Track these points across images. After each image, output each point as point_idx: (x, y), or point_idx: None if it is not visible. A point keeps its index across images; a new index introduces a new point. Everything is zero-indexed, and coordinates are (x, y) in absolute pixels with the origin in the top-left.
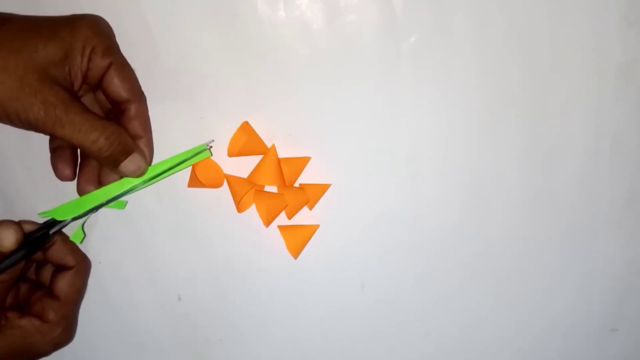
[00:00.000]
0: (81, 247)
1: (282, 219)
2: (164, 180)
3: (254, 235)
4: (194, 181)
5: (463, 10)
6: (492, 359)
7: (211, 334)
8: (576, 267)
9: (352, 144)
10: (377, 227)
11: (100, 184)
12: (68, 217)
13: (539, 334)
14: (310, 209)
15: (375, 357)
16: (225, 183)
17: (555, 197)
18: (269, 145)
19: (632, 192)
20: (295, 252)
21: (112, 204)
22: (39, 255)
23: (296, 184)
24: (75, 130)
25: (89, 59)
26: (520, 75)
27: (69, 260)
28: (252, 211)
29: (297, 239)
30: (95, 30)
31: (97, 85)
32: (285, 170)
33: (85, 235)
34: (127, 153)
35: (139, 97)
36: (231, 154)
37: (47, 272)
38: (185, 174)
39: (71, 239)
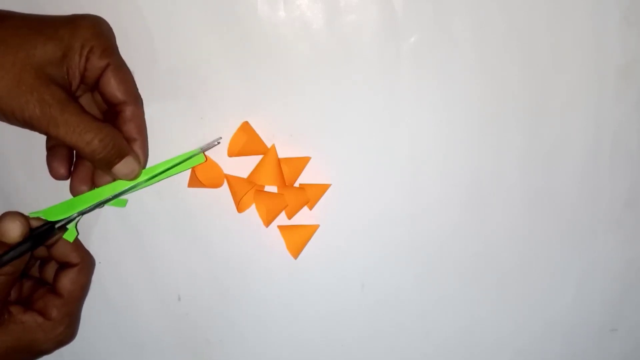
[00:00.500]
0: None
1: (282, 219)
2: (164, 180)
3: (254, 235)
4: (194, 181)
5: (463, 10)
6: (492, 359)
7: (211, 334)
8: (576, 267)
9: (352, 144)
10: (377, 227)
11: (93, 184)
12: (58, 218)
13: (539, 334)
14: (310, 209)
15: (375, 357)
16: (225, 183)
17: (555, 197)
18: (269, 145)
19: (632, 192)
20: (295, 252)
21: (112, 201)
22: (43, 252)
23: (296, 184)
24: (70, 130)
25: (87, 59)
26: (520, 75)
27: (73, 257)
28: (252, 211)
29: (297, 239)
30: (95, 31)
31: (95, 86)
32: (285, 170)
33: (78, 233)
34: (121, 156)
35: (135, 99)
36: (231, 154)
37: (50, 269)
38: (185, 174)
39: (63, 237)
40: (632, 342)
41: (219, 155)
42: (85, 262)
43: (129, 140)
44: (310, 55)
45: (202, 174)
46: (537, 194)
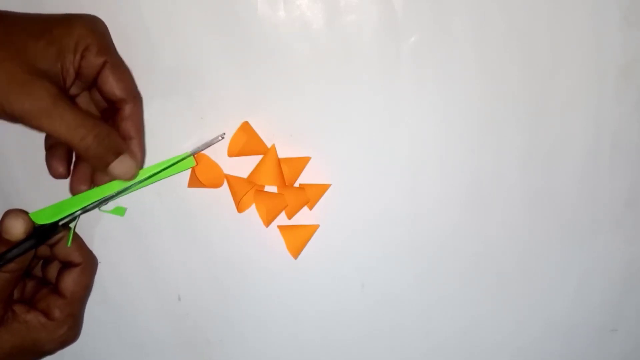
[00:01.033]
0: None
1: (282, 219)
2: (164, 180)
3: (254, 235)
4: (194, 181)
5: (463, 10)
6: (492, 359)
7: (211, 334)
8: (576, 267)
9: (352, 144)
10: (377, 227)
11: (93, 183)
12: (47, 222)
13: (539, 334)
14: (310, 209)
15: (375, 357)
16: (225, 183)
17: (555, 197)
18: (269, 145)
19: (632, 192)
20: (295, 252)
21: (112, 209)
22: (45, 251)
23: (296, 184)
24: (63, 125)
25: (82, 57)
26: (520, 75)
27: (76, 257)
28: (252, 211)
29: (297, 239)
30: (89, 29)
31: (93, 84)
32: (285, 170)
33: (71, 233)
34: (116, 153)
35: (134, 97)
36: (231, 154)
37: (53, 269)
38: (185, 173)
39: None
40: (632, 342)
41: (219, 155)
42: (87, 262)
43: (126, 139)
44: (310, 55)
45: (202, 174)
46: (537, 194)
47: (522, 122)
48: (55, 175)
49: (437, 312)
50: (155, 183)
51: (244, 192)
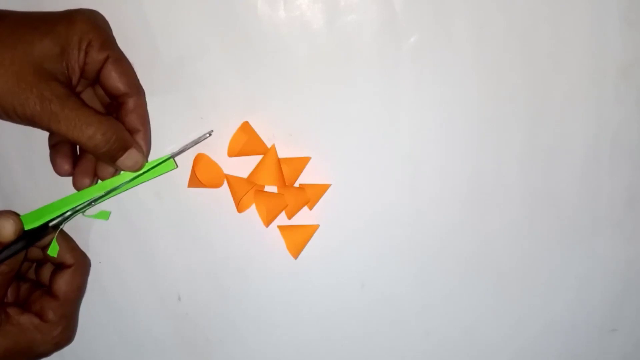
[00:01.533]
0: (81, 246)
1: (282, 219)
2: (164, 180)
3: (254, 235)
4: (194, 181)
5: (463, 10)
6: (492, 358)
7: (211, 334)
8: (576, 267)
9: (352, 144)
10: (377, 226)
11: (97, 177)
12: (38, 223)
13: (539, 334)
14: (310, 209)
15: (375, 357)
16: (225, 183)
17: (555, 196)
18: (269, 145)
19: (632, 192)
20: (295, 252)
21: (96, 213)
22: (38, 254)
23: (296, 184)
24: (71, 125)
25: (86, 53)
26: (520, 75)
27: (68, 258)
28: (252, 211)
29: (297, 239)
30: (91, 24)
31: (95, 80)
32: (285, 170)
33: (64, 234)
34: (124, 149)
35: (137, 90)
36: (231, 154)
37: (46, 271)
38: (185, 174)
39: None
40: (632, 342)
41: (219, 155)
42: (80, 263)
43: (132, 132)
44: (310, 55)
45: (202, 174)
46: (537, 194)
47: (522, 121)
48: (61, 172)
49: (437, 311)
50: (156, 183)
51: (244, 192)
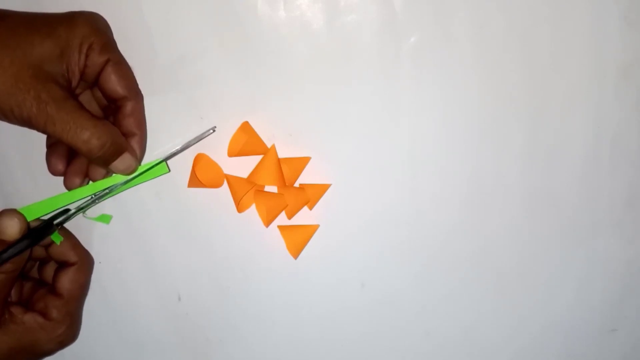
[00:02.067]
0: None
1: (282, 219)
2: (164, 180)
3: (254, 235)
4: (194, 181)
5: (463, 10)
6: (492, 359)
7: (211, 334)
8: (576, 267)
9: (352, 144)
10: (377, 226)
11: (88, 178)
12: (38, 216)
13: (539, 334)
14: (310, 209)
15: (375, 357)
16: (225, 183)
17: (555, 197)
18: (269, 145)
19: (632, 192)
20: (295, 252)
21: (97, 217)
22: (41, 252)
23: (296, 184)
24: (67, 129)
25: (87, 56)
26: (520, 75)
27: (71, 256)
28: (252, 211)
29: (297, 239)
30: (92, 27)
31: (94, 83)
32: (285, 170)
33: (65, 231)
34: (118, 153)
35: (136, 94)
36: (231, 154)
37: (49, 270)
38: (185, 174)
39: (52, 238)
40: (632, 342)
41: (219, 155)
42: (83, 261)
43: (127, 135)
44: (310, 55)
45: (202, 174)
46: (537, 194)
47: (522, 122)
48: (54, 172)
49: (437, 311)
50: (156, 183)
51: (244, 192)
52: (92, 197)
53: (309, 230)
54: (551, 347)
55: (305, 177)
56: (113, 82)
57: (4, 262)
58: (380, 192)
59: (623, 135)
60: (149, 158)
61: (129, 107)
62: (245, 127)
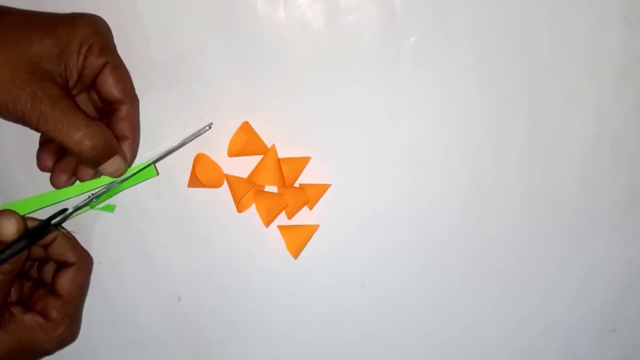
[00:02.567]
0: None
1: (282, 219)
2: (164, 180)
3: (254, 235)
4: (194, 181)
5: (463, 10)
6: (492, 359)
7: (211, 334)
8: (576, 267)
9: (352, 144)
10: (377, 226)
11: (76, 177)
12: (28, 212)
13: (539, 334)
14: (310, 209)
15: (375, 357)
16: (225, 183)
17: (555, 197)
18: (269, 145)
19: (632, 192)
20: (295, 252)
21: (102, 206)
22: (40, 252)
23: (296, 184)
24: (59, 127)
25: (85, 57)
26: (520, 75)
27: (70, 256)
28: (252, 211)
29: (297, 239)
30: (93, 29)
31: (91, 85)
32: (285, 170)
33: (65, 230)
34: (109, 156)
35: (131, 98)
36: (231, 154)
37: (49, 270)
38: (185, 174)
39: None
40: (632, 342)
41: (219, 155)
42: (82, 261)
43: (120, 139)
44: (310, 56)
45: (202, 174)
46: (537, 194)
47: (522, 122)
48: (43, 168)
49: (437, 311)
50: (156, 183)
51: (244, 192)
52: (89, 197)
53: (309, 230)
54: (551, 347)
55: (305, 177)
56: (110, 85)
57: (2, 262)
58: (380, 192)
59: (623, 135)
60: (148, 157)
61: (123, 110)
62: (245, 127)
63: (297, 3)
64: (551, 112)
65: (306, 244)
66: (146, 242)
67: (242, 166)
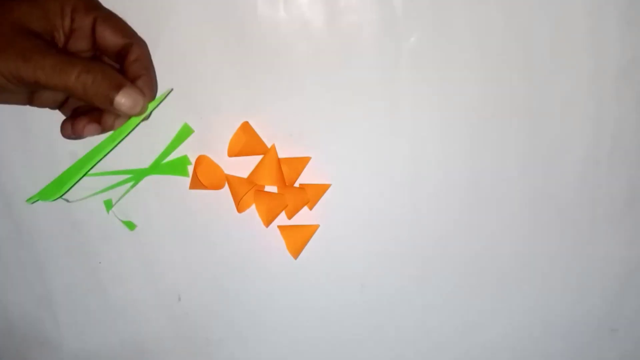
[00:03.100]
0: (81, 245)
1: (282, 219)
2: (164, 180)
3: (254, 235)
4: (196, 183)
5: (463, 10)
6: (492, 359)
7: (211, 334)
8: (576, 267)
9: (352, 144)
10: (377, 227)
11: (102, 127)
12: (54, 197)
13: (539, 334)
14: (310, 209)
15: (375, 357)
16: (226, 183)
17: (555, 197)
18: (269, 145)
19: (632, 192)
20: (295, 252)
21: (124, 220)
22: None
23: (296, 184)
24: (57, 70)
25: (72, 20)
26: (520, 75)
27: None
28: (252, 211)
29: (297, 239)
30: None
31: (95, 46)
32: (285, 170)
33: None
34: (117, 87)
35: (137, 39)
36: (231, 154)
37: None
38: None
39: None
40: (632, 342)
41: (219, 156)
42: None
43: (134, 79)
44: (311, 56)
45: (204, 176)
46: (537, 194)
47: (522, 122)
48: (68, 134)
49: (437, 312)
50: (156, 183)
51: (244, 192)
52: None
53: (309, 230)
54: (551, 347)
55: (305, 177)
56: (108, 35)
57: None
58: (380, 192)
59: (623, 135)
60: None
61: (131, 53)
62: (245, 127)
63: (297, 3)
64: (551, 112)
65: (306, 244)
66: (146, 242)
67: (242, 166)
